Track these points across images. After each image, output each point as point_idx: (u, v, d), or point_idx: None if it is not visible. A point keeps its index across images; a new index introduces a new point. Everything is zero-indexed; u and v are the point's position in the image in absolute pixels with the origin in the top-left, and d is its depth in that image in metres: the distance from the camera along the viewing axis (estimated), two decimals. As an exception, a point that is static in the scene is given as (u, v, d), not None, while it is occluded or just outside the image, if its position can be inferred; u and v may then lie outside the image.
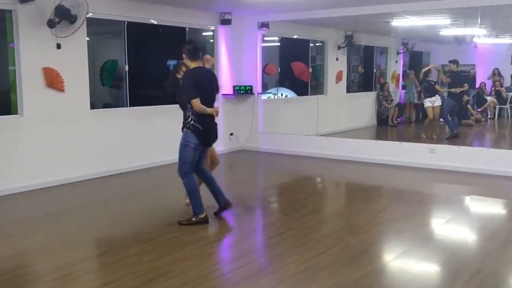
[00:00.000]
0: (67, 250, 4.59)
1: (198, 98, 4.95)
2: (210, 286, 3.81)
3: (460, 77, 10.42)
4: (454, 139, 9.88)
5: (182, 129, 5.19)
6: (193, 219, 5.20)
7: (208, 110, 5.06)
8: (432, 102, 10.41)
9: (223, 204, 5.40)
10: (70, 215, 5.71)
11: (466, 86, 10.33)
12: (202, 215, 5.19)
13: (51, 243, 4.78)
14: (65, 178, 7.06)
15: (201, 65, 5.22)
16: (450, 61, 10.40)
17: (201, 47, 5.30)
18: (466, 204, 6.57)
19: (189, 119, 5.06)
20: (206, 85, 5.09)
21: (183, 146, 5.10)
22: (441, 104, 10.55)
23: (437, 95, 10.52)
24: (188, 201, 5.64)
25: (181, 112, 5.33)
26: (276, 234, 4.97)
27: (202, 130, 5.05)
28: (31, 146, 6.71)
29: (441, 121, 12.37)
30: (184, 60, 5.14)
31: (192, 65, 5.10)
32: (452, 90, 10.25)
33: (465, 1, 7.73)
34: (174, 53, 9.39)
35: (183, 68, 5.45)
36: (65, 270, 4.13)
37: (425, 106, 10.58)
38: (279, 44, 11.26)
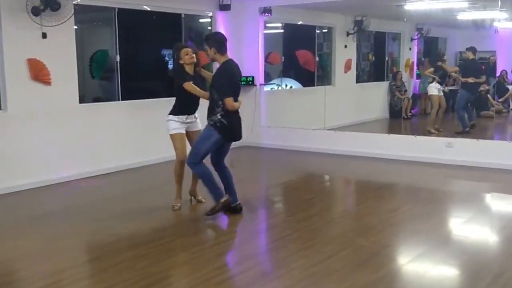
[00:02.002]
0: (55, 255, 4.61)
1: (232, 98, 5.20)
2: (210, 293, 3.82)
3: (476, 65, 10.35)
4: (466, 135, 9.82)
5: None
6: (216, 207, 5.36)
7: (236, 105, 5.27)
8: (439, 90, 10.36)
9: (234, 205, 5.50)
10: (58, 218, 5.73)
11: (483, 78, 10.26)
12: (223, 199, 5.34)
13: (39, 248, 4.79)
14: (52, 178, 7.07)
15: (229, 58, 5.33)
16: (467, 49, 10.35)
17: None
18: (487, 202, 6.57)
19: (217, 115, 5.22)
20: (237, 81, 5.41)
21: (205, 137, 5.30)
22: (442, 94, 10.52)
23: (443, 86, 10.50)
24: (179, 204, 5.75)
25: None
26: (280, 237, 4.98)
27: (228, 127, 5.25)
28: (16, 144, 6.72)
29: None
30: (209, 54, 5.26)
31: (222, 59, 5.20)
32: (463, 80, 10.19)
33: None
34: (169, 41, 9.43)
35: (186, 53, 5.53)
36: (54, 277, 4.13)
37: (429, 93, 10.53)
38: (282, 31, 11.24)
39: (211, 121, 5.29)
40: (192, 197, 6.01)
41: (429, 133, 9.99)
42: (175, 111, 5.72)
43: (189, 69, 5.62)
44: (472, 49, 10.20)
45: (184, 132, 5.74)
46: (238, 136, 5.47)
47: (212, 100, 5.30)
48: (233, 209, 5.49)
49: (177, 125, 5.68)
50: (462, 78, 10.28)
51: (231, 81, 5.27)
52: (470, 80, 10.07)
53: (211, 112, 5.30)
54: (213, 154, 5.49)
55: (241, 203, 5.58)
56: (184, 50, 5.63)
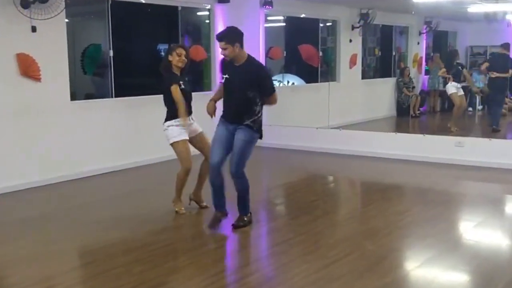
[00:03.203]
0: (47, 259, 4.62)
1: None
2: (209, 300, 3.85)
3: (505, 60, 10.36)
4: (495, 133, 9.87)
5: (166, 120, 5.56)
6: (246, 220, 5.35)
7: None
8: (457, 88, 10.41)
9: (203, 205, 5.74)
10: (50, 221, 5.74)
11: (510, 72, 10.28)
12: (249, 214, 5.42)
13: (30, 252, 4.80)
14: (43, 179, 7.08)
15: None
16: (501, 45, 10.38)
17: None
18: (499, 205, 6.59)
19: (259, 115, 5.18)
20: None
21: (248, 143, 5.14)
22: (463, 93, 10.58)
23: (460, 84, 10.55)
24: (183, 208, 5.75)
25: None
26: (282, 241, 5.00)
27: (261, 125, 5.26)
28: (4, 143, 6.73)
29: (470, 111, 12.40)
30: (230, 53, 5.02)
31: (245, 55, 5.12)
32: (493, 75, 10.23)
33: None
34: (164, 35, 9.45)
35: (179, 55, 5.54)
36: (46, 282, 4.15)
37: (449, 93, 10.58)
38: (284, 24, 11.25)
39: (253, 122, 5.10)
40: (194, 202, 5.97)
41: (449, 131, 10.04)
42: (171, 116, 5.61)
43: (176, 70, 5.62)
44: (505, 46, 10.24)
45: (187, 138, 5.64)
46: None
47: (247, 100, 5.06)
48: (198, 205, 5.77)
49: (177, 131, 5.57)
50: (492, 74, 10.33)
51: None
52: (495, 74, 10.12)
53: (249, 113, 5.09)
54: (224, 155, 5.22)
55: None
56: (179, 50, 5.60)
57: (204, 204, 5.94)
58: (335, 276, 4.13)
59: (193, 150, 5.76)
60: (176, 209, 5.77)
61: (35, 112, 7.00)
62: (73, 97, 7.58)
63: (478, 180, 7.54)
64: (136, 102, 8.32)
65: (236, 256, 4.89)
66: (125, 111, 8.14)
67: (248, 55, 5.18)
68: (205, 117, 5.38)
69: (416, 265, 4.44)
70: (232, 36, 5.03)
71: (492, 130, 10.09)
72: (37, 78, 6.97)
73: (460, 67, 10.87)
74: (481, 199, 6.57)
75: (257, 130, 5.18)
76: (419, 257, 4.62)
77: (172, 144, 5.63)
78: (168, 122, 5.63)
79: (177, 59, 5.59)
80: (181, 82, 5.62)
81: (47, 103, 7.13)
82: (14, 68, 6.76)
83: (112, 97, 8.10)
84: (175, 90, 5.50)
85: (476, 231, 5.35)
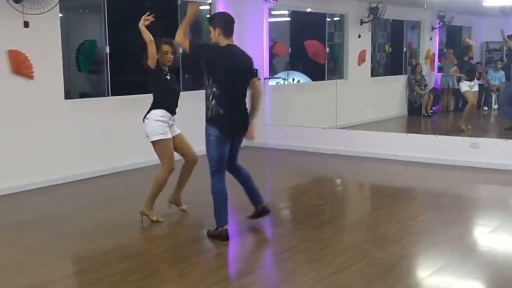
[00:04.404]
0: (40, 266, 4.64)
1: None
2: (210, 309, 3.85)
3: None
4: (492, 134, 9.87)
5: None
6: (213, 232, 5.19)
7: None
8: (471, 86, 10.40)
9: (260, 207, 5.48)
10: (41, 225, 5.76)
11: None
12: (222, 228, 5.13)
13: (22, 258, 4.82)
14: (35, 181, 7.10)
15: (233, 44, 5.15)
16: (509, 36, 10.34)
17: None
18: (516, 209, 6.58)
19: (212, 101, 5.02)
20: (237, 69, 5.04)
21: (206, 138, 5.10)
22: (478, 90, 10.57)
23: (475, 80, 10.53)
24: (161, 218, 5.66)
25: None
26: (288, 247, 5.00)
27: (224, 117, 5.01)
28: (-5, 144, 6.76)
29: (485, 109, 12.38)
30: (213, 37, 5.07)
31: (224, 42, 5.05)
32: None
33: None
34: (163, 31, 9.44)
35: (166, 53, 5.54)
36: (38, 291, 4.17)
37: (462, 90, 10.57)
38: (289, 19, 11.27)
39: (206, 114, 5.07)
40: (174, 205, 5.91)
41: (460, 130, 10.02)
42: (156, 106, 5.54)
43: (162, 65, 5.59)
44: None
45: (171, 137, 5.59)
46: (237, 130, 5.21)
47: (206, 88, 5.11)
48: (260, 212, 5.47)
49: (163, 127, 5.50)
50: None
51: (223, 66, 4.99)
52: None
53: (207, 104, 5.07)
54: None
55: (244, 210, 5.58)
56: (165, 48, 5.54)
57: (184, 207, 5.91)
58: (343, 285, 4.13)
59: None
60: (154, 219, 5.57)
61: (27, 112, 7.02)
62: (68, 95, 7.61)
63: (494, 183, 7.53)
64: (133, 101, 8.31)
65: (238, 263, 4.89)
66: (122, 111, 8.15)
67: (228, 44, 5.04)
68: (202, 118, 5.35)
69: (428, 274, 4.44)
70: (215, 20, 5.12)
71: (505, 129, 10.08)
72: (29, 76, 6.99)
73: (473, 63, 10.85)
74: (497, 203, 6.56)
75: (211, 122, 5.13)
76: (431, 265, 4.61)
77: (155, 142, 5.51)
78: (155, 114, 5.49)
79: (165, 56, 5.56)
80: (167, 77, 5.62)
81: (40, 102, 7.15)
82: (5, 65, 6.78)
83: (108, 95, 8.13)
84: (151, 55, 5.42)
85: (491, 237, 5.34)
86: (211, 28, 5.07)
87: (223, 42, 5.06)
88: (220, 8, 9.49)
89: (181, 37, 5.08)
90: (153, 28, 5.58)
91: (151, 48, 5.43)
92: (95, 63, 8.30)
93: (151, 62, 5.46)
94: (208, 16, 5.05)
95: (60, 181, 7.33)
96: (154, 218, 5.59)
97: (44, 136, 7.22)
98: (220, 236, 5.09)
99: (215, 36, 5.06)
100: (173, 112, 5.63)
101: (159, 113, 5.52)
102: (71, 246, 5.16)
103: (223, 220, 5.12)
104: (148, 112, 5.60)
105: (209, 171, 5.14)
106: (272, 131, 9.91)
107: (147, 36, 5.45)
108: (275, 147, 9.73)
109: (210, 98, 5.02)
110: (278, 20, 11.00)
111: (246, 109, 5.23)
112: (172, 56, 5.61)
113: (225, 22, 5.09)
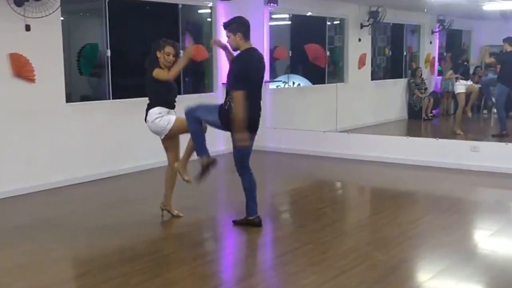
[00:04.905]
0: (41, 269, 4.63)
1: (243, 92, 5.08)
2: (211, 313, 3.85)
3: None
4: (502, 138, 9.83)
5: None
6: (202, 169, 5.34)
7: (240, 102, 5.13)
8: (467, 86, 10.39)
9: (251, 218, 5.49)
10: (44, 228, 5.75)
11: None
12: (206, 158, 5.32)
13: (23, 261, 4.81)
14: (36, 184, 7.10)
15: (252, 46, 5.29)
16: (504, 40, 10.34)
17: None
18: (516, 212, 6.58)
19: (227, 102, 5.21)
20: (257, 75, 5.34)
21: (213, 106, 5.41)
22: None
23: (469, 80, 10.54)
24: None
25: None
26: (289, 250, 4.99)
27: (227, 114, 5.18)
28: (-4, 147, 6.76)
29: (485, 113, 12.38)
30: (233, 42, 5.16)
31: (245, 45, 5.17)
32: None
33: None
34: (164, 34, 9.46)
35: (169, 54, 5.53)
36: (39, 294, 4.16)
37: (457, 91, 10.55)
38: (290, 23, 11.28)
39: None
40: (166, 212, 5.90)
41: (455, 135, 10.01)
42: (153, 105, 5.61)
43: (162, 66, 5.57)
44: (508, 40, 10.19)
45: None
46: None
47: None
48: (249, 222, 5.46)
49: (165, 118, 5.57)
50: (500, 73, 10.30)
51: (247, 73, 5.17)
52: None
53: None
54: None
55: (244, 213, 5.58)
56: (168, 49, 5.57)
57: (176, 212, 5.89)
58: (343, 288, 4.13)
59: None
60: (186, 178, 5.49)
61: (28, 115, 7.02)
62: (69, 98, 7.61)
63: (494, 187, 7.52)
64: (134, 104, 8.29)
65: (239, 266, 4.88)
66: (123, 113, 8.15)
67: (249, 48, 5.22)
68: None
69: (429, 277, 4.43)
70: (235, 25, 5.19)
71: (504, 135, 10.05)
72: (31, 79, 7.00)
73: (466, 65, 10.87)
74: (497, 207, 6.56)
75: (220, 111, 5.30)
76: (432, 268, 4.60)
77: (170, 130, 5.58)
78: (153, 116, 5.57)
79: (165, 58, 5.57)
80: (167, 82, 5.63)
81: (42, 105, 7.16)
82: (7, 68, 6.79)
83: (109, 98, 8.13)
84: (158, 72, 5.48)
85: (492, 240, 5.33)
86: (230, 34, 5.17)
87: (244, 45, 5.18)
88: (220, 12, 9.52)
89: (173, 75, 5.46)
90: (154, 32, 5.60)
91: (179, 68, 5.55)
92: (96, 66, 8.31)
93: (165, 77, 5.50)
94: (223, 22, 5.09)
95: (61, 184, 7.33)
96: (186, 178, 5.51)
97: (46, 139, 7.22)
98: (207, 166, 5.31)
99: (236, 40, 5.16)
100: (171, 107, 5.69)
101: (157, 111, 5.59)
102: (72, 249, 5.16)
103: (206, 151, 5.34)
104: (147, 114, 5.64)
105: None
106: (273, 134, 9.90)
107: (185, 60, 5.57)
108: (276, 150, 9.73)
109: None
110: (278, 24, 11.01)
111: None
112: (173, 59, 5.62)
113: (246, 26, 5.22)
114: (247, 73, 5.16)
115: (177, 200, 5.94)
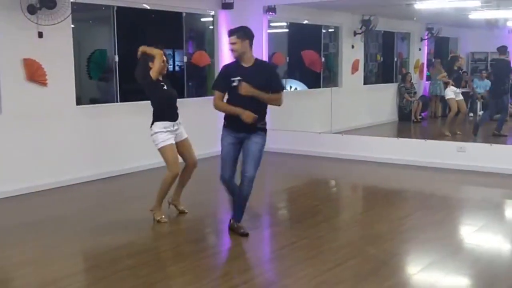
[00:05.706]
0: (51, 263, 4.64)
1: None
2: (213, 303, 3.85)
3: (507, 67, 10.34)
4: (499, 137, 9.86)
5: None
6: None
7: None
8: (456, 94, 10.39)
9: (237, 225, 5.25)
10: (54, 225, 5.75)
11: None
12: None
13: (34, 256, 4.82)
14: (48, 182, 7.09)
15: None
16: (498, 48, 10.36)
17: None
18: (500, 209, 6.58)
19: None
20: None
21: (264, 146, 5.20)
22: (462, 98, 10.57)
23: (460, 88, 10.54)
24: (164, 217, 5.59)
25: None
26: (286, 245, 5.00)
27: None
28: (10, 147, 6.75)
29: (471, 116, 12.39)
30: (239, 48, 5.01)
31: (251, 53, 5.10)
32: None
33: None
34: (169, 41, 9.47)
35: (162, 61, 5.48)
36: (51, 285, 4.15)
37: (447, 97, 10.56)
38: (287, 30, 11.28)
39: (264, 124, 5.20)
40: (173, 207, 5.89)
41: (443, 136, 10.02)
42: (158, 118, 5.55)
43: (154, 76, 5.50)
44: (500, 49, 10.21)
45: (174, 142, 5.57)
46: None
47: (261, 102, 5.06)
48: (235, 229, 5.23)
49: (165, 135, 5.50)
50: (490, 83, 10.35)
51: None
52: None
53: (264, 115, 5.16)
54: (235, 168, 5.24)
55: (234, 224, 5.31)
56: (163, 56, 5.52)
57: (182, 208, 5.89)
58: (338, 280, 4.13)
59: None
60: (158, 218, 5.55)
61: (41, 116, 7.02)
62: (79, 101, 7.61)
63: (479, 185, 7.53)
64: (140, 107, 8.30)
65: (239, 259, 4.88)
66: (130, 116, 8.14)
67: (256, 58, 5.19)
68: (205, 123, 5.35)
69: (418, 269, 4.44)
70: (243, 32, 5.08)
71: (493, 134, 10.09)
72: (43, 83, 7.00)
73: (461, 72, 10.87)
74: (482, 204, 6.56)
75: (265, 133, 5.21)
76: (421, 262, 4.61)
77: (160, 149, 5.54)
78: (157, 126, 5.53)
79: (162, 65, 5.52)
80: (164, 87, 5.61)
81: (53, 107, 7.16)
82: (21, 73, 6.79)
83: (117, 101, 8.13)
84: (152, 72, 5.44)
85: (477, 235, 5.34)
86: (238, 40, 4.99)
87: (250, 53, 5.09)
88: (222, 20, 9.51)
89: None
90: (159, 39, 5.59)
91: (159, 61, 5.45)
92: (105, 71, 8.30)
93: (157, 75, 5.46)
94: (230, 29, 4.99)
95: (71, 182, 7.32)
96: (158, 218, 5.56)
97: (57, 140, 7.22)
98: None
99: (245, 47, 5.03)
100: (175, 119, 5.62)
101: (161, 125, 5.53)
102: (81, 244, 5.16)
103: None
104: (152, 123, 5.58)
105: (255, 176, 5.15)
106: (271, 136, 9.77)
107: (155, 50, 5.47)
108: (274, 150, 9.71)
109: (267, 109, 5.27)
110: (277, 31, 11.01)
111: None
112: (167, 64, 5.63)
113: (252, 36, 5.14)
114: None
115: (183, 197, 5.94)
